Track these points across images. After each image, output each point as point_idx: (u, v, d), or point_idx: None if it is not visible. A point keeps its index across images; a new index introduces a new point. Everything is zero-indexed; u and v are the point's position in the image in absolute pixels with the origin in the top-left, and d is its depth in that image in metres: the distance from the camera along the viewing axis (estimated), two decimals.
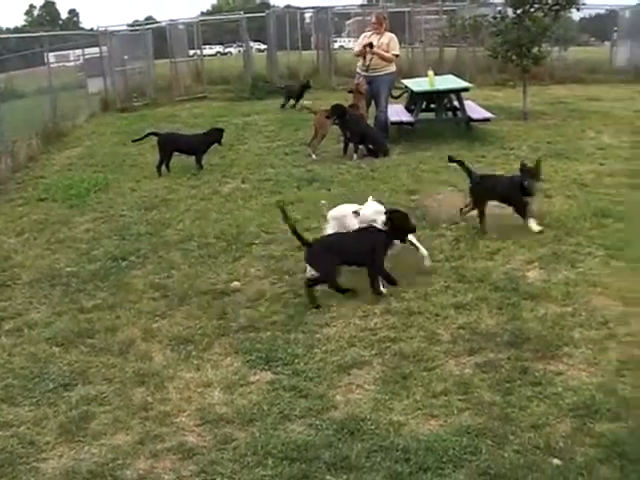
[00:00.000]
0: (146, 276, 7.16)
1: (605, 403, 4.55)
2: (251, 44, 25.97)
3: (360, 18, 26.46)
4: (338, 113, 11.96)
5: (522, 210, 7.76)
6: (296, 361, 5.30)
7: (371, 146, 12.18)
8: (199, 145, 11.68)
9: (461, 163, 8.29)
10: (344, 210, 6.98)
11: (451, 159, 8.50)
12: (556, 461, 4.04)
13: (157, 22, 30.46)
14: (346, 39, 32.39)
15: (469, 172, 8.15)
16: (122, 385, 5.11)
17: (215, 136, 11.81)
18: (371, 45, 12.87)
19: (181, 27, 24.36)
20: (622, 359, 5.12)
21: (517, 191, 7.72)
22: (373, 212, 6.54)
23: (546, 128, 14.59)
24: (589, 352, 5.25)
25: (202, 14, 56.60)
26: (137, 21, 47.19)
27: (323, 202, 7.30)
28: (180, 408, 4.77)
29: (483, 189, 7.98)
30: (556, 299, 6.14)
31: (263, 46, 28.37)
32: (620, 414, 4.44)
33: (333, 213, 7.07)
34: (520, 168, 7.84)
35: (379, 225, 6.39)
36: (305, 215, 8.66)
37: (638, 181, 9.68)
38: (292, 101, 19.02)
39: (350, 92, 13.52)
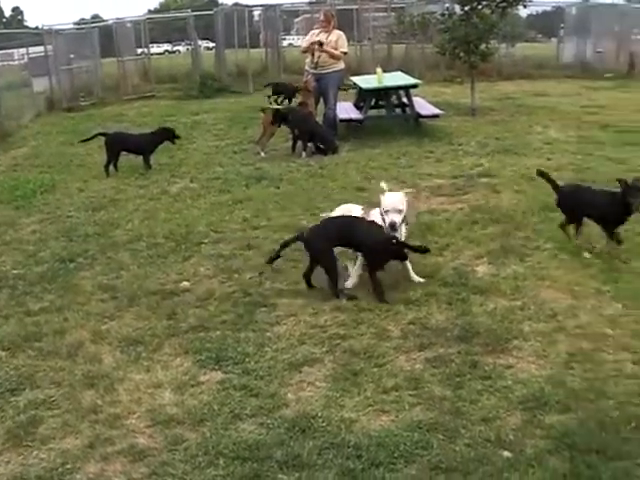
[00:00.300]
0: (94, 277, 7.06)
1: (554, 395, 4.59)
2: (199, 42, 25.79)
3: (309, 16, 26.52)
4: (280, 118, 11.97)
5: (613, 231, 6.87)
6: (246, 360, 5.25)
7: (320, 144, 12.16)
8: (147, 145, 11.56)
9: (546, 177, 7.41)
10: (348, 210, 6.89)
11: (541, 173, 7.51)
12: (506, 453, 4.06)
13: (104, 20, 30.00)
14: (295, 37, 32.39)
15: (555, 186, 7.34)
16: (71, 388, 5.01)
17: (164, 135, 11.69)
18: (321, 43, 12.88)
19: (128, 25, 24.13)
20: (571, 351, 5.16)
21: (619, 209, 6.76)
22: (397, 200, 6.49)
23: (494, 124, 14.73)
24: (538, 345, 5.28)
25: (150, 12, 56.19)
26: (83, 19, 46.44)
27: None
28: (130, 410, 4.70)
29: (576, 203, 7.14)
30: (505, 293, 6.17)
31: (212, 44, 28.21)
32: (569, 406, 4.48)
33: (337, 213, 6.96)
34: (626, 183, 6.70)
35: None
36: (254, 214, 8.64)
37: None
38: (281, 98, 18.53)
39: (300, 90, 13.51)
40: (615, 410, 4.41)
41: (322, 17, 13.64)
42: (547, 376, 4.86)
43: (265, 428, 4.41)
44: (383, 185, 6.94)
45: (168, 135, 11.68)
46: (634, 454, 3.99)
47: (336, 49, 13.05)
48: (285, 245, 6.48)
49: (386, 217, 6.39)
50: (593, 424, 4.25)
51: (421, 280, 6.41)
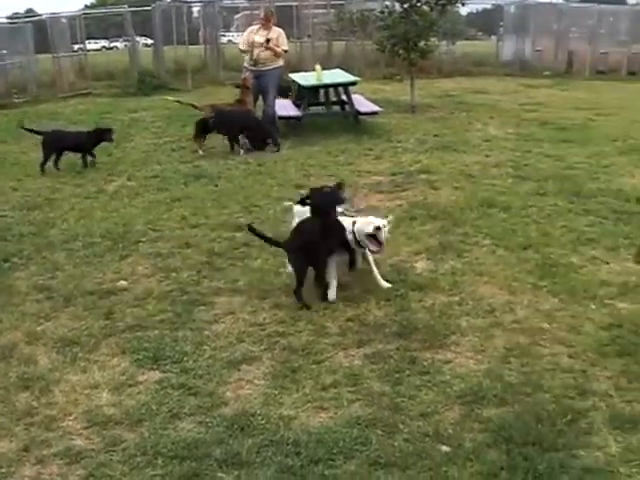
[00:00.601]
0: (29, 278, 6.91)
1: (492, 389, 4.62)
2: (137, 39, 25.50)
3: (248, 12, 26.37)
4: (202, 129, 12.00)
5: None
6: (185, 359, 5.19)
7: (257, 139, 12.13)
8: (86, 143, 11.37)
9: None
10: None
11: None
12: (445, 448, 4.08)
13: (38, 15, 29.52)
14: (235, 33, 32.16)
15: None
16: (5, 391, 4.89)
17: (103, 134, 11.52)
18: (268, 41, 12.85)
19: (63, 20, 23.61)
20: (508, 346, 5.21)
21: None
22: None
23: (434, 121, 14.84)
24: (476, 340, 5.32)
25: (86, 7, 55.27)
26: (17, 14, 45.49)
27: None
28: (67, 411, 4.61)
29: None
30: (443, 289, 6.21)
31: (150, 41, 27.90)
32: (506, 399, 4.52)
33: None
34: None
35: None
36: (192, 212, 8.57)
37: None
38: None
39: (238, 87, 13.44)
40: (551, 403, 4.47)
41: (262, 14, 13.59)
42: (485, 370, 4.89)
43: (204, 427, 4.37)
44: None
45: (107, 134, 11.51)
46: (569, 445, 4.05)
47: (278, 47, 13.02)
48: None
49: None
50: (530, 417, 4.30)
51: (388, 285, 6.27)
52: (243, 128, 12.01)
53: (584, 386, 4.67)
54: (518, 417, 4.31)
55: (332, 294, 6.05)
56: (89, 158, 11.35)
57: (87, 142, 11.36)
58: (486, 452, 4.02)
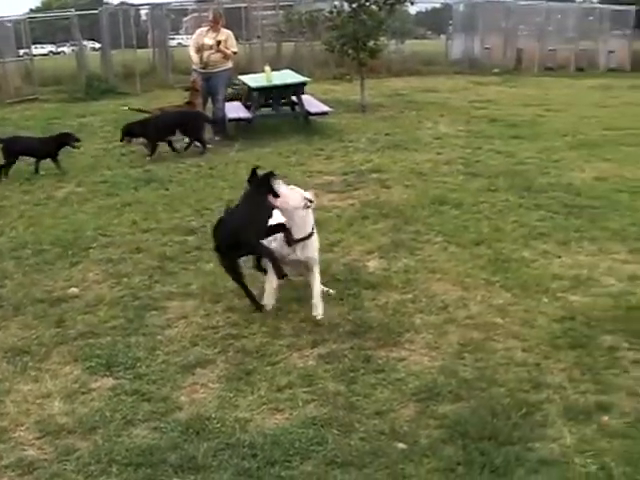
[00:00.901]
0: None
1: (447, 385, 4.64)
2: (84, 43, 25.23)
3: (197, 15, 26.24)
4: (126, 133, 11.90)
5: None
6: (138, 365, 5.12)
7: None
8: (48, 149, 11.18)
9: None
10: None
11: None
12: (401, 445, 4.07)
13: None
14: (184, 36, 31.99)
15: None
16: None
17: (67, 138, 11.34)
18: (219, 43, 12.80)
19: (8, 25, 23.26)
20: (462, 342, 5.23)
21: None
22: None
23: (384, 120, 14.90)
24: (430, 337, 5.33)
25: (31, 11, 54.52)
26: None
27: None
28: (18, 422, 4.51)
29: None
30: (396, 287, 6.21)
31: (98, 44, 27.63)
32: (461, 395, 4.53)
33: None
34: None
35: None
36: (143, 216, 8.48)
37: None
38: None
39: (187, 90, 13.35)
40: (506, 397, 4.49)
41: (210, 16, 13.53)
42: (439, 367, 4.91)
43: (159, 432, 4.31)
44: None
45: (70, 139, 11.34)
46: (524, 439, 4.08)
47: (227, 48, 12.97)
48: None
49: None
50: (485, 412, 4.32)
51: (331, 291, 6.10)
52: (171, 131, 11.93)
53: (538, 379, 4.71)
54: (473, 412, 4.33)
55: (268, 300, 5.86)
56: (46, 164, 11.15)
57: (50, 147, 11.17)
58: (442, 448, 4.03)
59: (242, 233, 5.58)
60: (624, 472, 3.78)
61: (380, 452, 4.02)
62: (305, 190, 5.93)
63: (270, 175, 5.76)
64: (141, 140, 12.10)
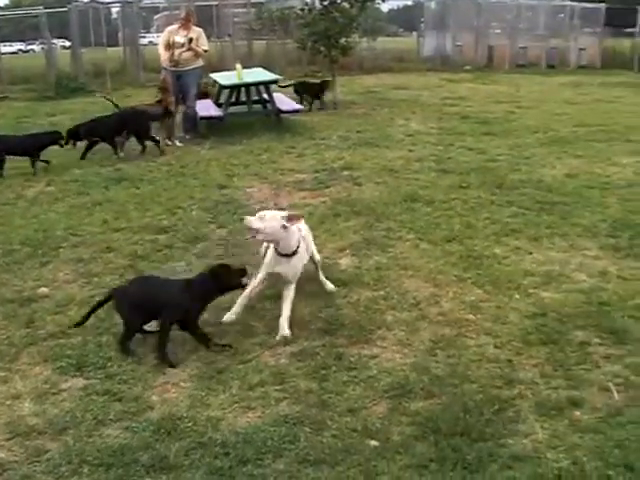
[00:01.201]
0: None
1: (419, 382, 4.63)
2: (54, 41, 25.00)
3: (168, 13, 26.09)
4: (72, 136, 11.74)
5: None
6: (109, 364, 5.06)
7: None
8: (34, 147, 11.06)
9: None
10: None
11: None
12: (373, 442, 4.07)
13: None
14: (155, 34, 31.83)
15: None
16: None
17: (52, 137, 11.24)
18: (190, 41, 12.74)
19: None
20: (434, 338, 5.23)
21: None
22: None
23: (356, 117, 14.91)
24: (402, 334, 5.33)
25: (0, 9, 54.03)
26: None
27: None
28: None
29: None
30: (368, 284, 6.21)
31: (68, 43, 27.41)
32: (433, 392, 4.53)
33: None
34: None
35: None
36: (114, 215, 8.40)
37: None
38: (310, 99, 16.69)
39: (160, 89, 13.24)
40: (478, 393, 4.50)
41: (182, 14, 13.44)
42: (411, 364, 4.90)
43: (130, 432, 4.27)
44: None
45: (55, 137, 11.24)
46: (497, 434, 4.09)
47: (199, 47, 12.93)
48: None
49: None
50: (457, 408, 4.32)
51: (333, 288, 6.12)
52: (119, 131, 11.83)
53: (510, 375, 4.72)
54: (446, 409, 4.33)
55: (229, 315, 5.66)
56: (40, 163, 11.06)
57: (33, 146, 11.05)
58: (415, 445, 4.02)
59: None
60: (596, 467, 3.79)
61: (352, 449, 4.01)
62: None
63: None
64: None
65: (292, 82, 16.92)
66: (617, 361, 4.91)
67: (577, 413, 4.29)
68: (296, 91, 16.71)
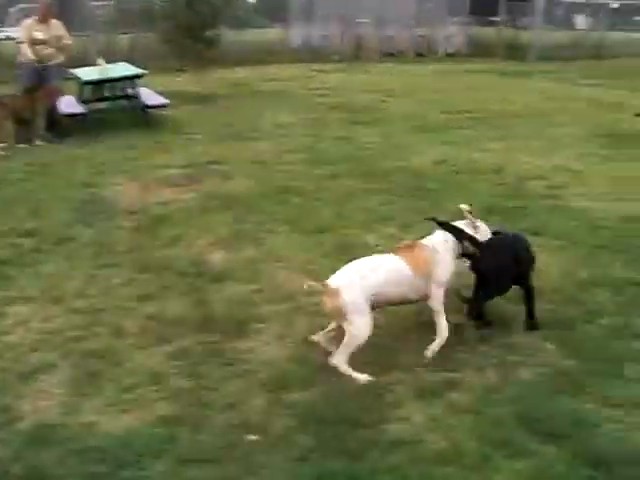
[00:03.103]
0: None
1: (297, 373, 4.64)
2: None
3: (25, 6, 25.27)
4: None
5: None
6: None
7: None
8: None
9: None
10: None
11: None
12: (253, 437, 4.05)
13: None
14: (12, 29, 30.83)
15: None
16: None
17: None
18: (59, 39, 12.42)
19: None
20: (310, 329, 5.17)
21: None
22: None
23: (224, 110, 14.84)
24: (278, 326, 5.32)
25: None
26: None
27: None
28: None
29: None
30: (241, 278, 6.17)
31: None
32: (312, 381, 4.53)
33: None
34: None
35: None
36: None
37: None
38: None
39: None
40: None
41: (40, 7, 13.00)
42: (288, 355, 4.90)
43: (0, 444, 4.10)
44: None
45: None
46: (377, 421, 4.13)
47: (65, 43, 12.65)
48: None
49: None
50: (337, 397, 4.33)
51: None
52: None
53: (388, 361, 4.75)
54: (325, 398, 4.34)
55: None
56: None
57: None
58: (296, 436, 4.02)
59: None
60: (473, 447, 3.87)
61: (232, 445, 3.97)
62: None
63: None
64: None
65: None
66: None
67: (454, 395, 4.37)
68: None
